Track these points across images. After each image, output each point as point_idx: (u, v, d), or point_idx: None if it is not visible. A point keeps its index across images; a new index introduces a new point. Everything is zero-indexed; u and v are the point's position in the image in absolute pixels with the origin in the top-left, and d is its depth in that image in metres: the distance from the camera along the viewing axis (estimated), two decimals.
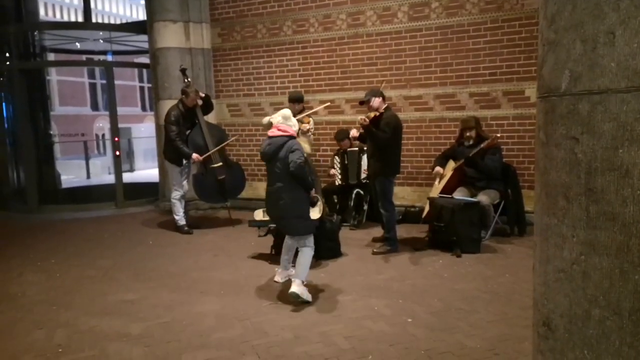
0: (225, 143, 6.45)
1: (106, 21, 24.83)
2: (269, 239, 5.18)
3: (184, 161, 6.26)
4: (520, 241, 5.32)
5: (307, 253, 3.94)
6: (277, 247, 4.92)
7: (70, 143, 18.09)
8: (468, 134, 5.51)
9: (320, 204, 4.88)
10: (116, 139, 8.47)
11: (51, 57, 11.74)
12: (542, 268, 1.47)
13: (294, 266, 4.07)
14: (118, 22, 23.97)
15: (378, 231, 5.53)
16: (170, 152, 6.22)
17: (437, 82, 6.34)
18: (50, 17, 23.56)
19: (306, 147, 4.48)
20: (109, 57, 10.72)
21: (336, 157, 6.49)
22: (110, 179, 10.12)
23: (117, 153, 8.50)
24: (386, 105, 4.99)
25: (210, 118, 6.83)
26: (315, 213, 4.74)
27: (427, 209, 5.52)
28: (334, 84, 6.96)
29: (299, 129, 4.77)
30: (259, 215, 5.17)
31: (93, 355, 3.09)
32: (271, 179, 3.94)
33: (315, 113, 6.23)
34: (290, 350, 3.04)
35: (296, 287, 3.74)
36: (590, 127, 1.28)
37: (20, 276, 4.76)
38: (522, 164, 5.89)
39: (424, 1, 6.28)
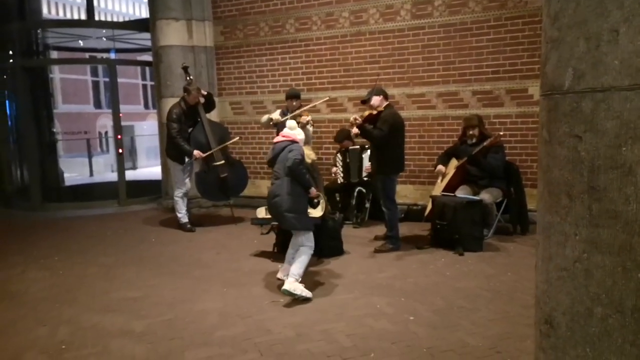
0: (229, 142, 6.44)
1: (109, 19, 24.85)
2: (272, 237, 5.18)
3: (186, 159, 6.26)
4: (522, 240, 5.31)
5: (305, 252, 3.94)
6: (280, 244, 4.93)
7: (73, 141, 18.15)
8: (471, 132, 5.50)
9: (322, 202, 4.89)
10: (119, 136, 8.49)
11: (54, 54, 11.77)
12: (545, 266, 1.47)
13: None
14: (121, 20, 23.98)
15: (380, 229, 5.52)
16: (172, 149, 6.23)
17: (440, 80, 6.32)
18: (53, 15, 23.61)
19: (310, 154, 4.52)
20: (112, 55, 10.72)
21: (338, 156, 6.49)
22: (113, 176, 10.15)
23: (120, 151, 8.51)
24: (387, 103, 4.98)
25: (213, 116, 6.83)
26: (317, 211, 4.75)
27: (429, 207, 5.52)
28: (337, 82, 6.95)
29: (299, 122, 4.82)
30: (262, 213, 5.17)
31: (96, 352, 3.10)
32: (273, 179, 4.10)
33: (314, 107, 6.22)
34: (292, 348, 3.05)
35: (288, 285, 3.76)
36: (594, 125, 1.28)
37: (24, 273, 4.78)
38: (524, 162, 5.88)
39: None
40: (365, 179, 6.24)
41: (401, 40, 6.47)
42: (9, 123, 8.96)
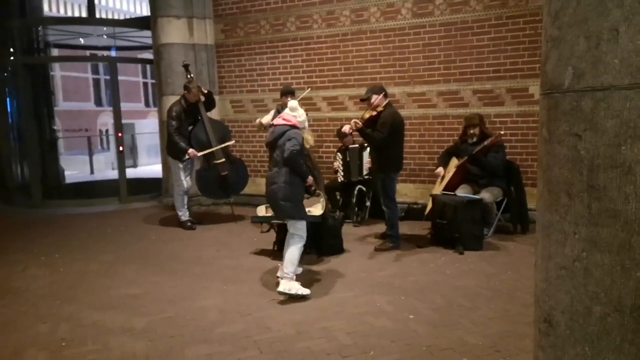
0: (225, 144, 6.39)
1: (110, 17, 24.83)
2: (272, 235, 5.18)
3: (186, 157, 6.27)
4: (522, 239, 5.32)
5: (295, 242, 3.90)
6: (280, 242, 4.93)
7: (74, 138, 18.12)
8: (471, 131, 5.50)
9: (323, 200, 4.89)
10: (120, 134, 8.49)
11: (55, 52, 11.75)
12: (544, 265, 1.48)
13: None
14: (122, 17, 23.96)
15: (381, 228, 5.53)
16: (171, 147, 6.22)
17: (440, 79, 6.32)
18: (54, 13, 23.59)
19: (309, 139, 4.49)
20: (113, 53, 10.74)
21: (338, 154, 6.49)
22: (113, 174, 10.14)
23: (121, 148, 8.51)
24: (387, 101, 4.97)
25: (213, 114, 6.83)
26: (317, 210, 4.75)
27: (429, 206, 5.52)
28: (337, 81, 6.95)
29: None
30: (262, 211, 5.17)
31: (96, 349, 3.11)
32: (271, 165, 4.06)
33: (302, 99, 6.11)
34: (292, 346, 3.05)
35: (282, 285, 3.76)
36: (593, 123, 1.28)
37: (24, 270, 4.79)
38: (525, 161, 5.88)
39: None
40: (366, 176, 6.23)
41: (402, 38, 6.47)
42: (10, 120, 8.96)
